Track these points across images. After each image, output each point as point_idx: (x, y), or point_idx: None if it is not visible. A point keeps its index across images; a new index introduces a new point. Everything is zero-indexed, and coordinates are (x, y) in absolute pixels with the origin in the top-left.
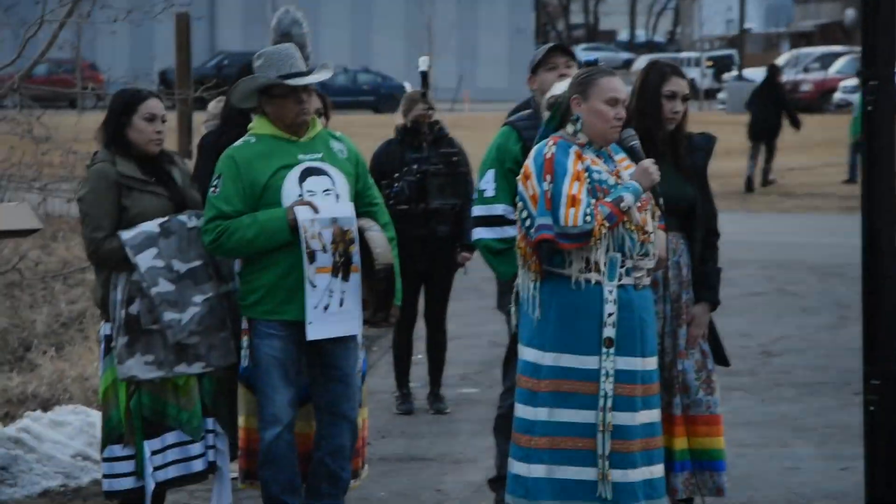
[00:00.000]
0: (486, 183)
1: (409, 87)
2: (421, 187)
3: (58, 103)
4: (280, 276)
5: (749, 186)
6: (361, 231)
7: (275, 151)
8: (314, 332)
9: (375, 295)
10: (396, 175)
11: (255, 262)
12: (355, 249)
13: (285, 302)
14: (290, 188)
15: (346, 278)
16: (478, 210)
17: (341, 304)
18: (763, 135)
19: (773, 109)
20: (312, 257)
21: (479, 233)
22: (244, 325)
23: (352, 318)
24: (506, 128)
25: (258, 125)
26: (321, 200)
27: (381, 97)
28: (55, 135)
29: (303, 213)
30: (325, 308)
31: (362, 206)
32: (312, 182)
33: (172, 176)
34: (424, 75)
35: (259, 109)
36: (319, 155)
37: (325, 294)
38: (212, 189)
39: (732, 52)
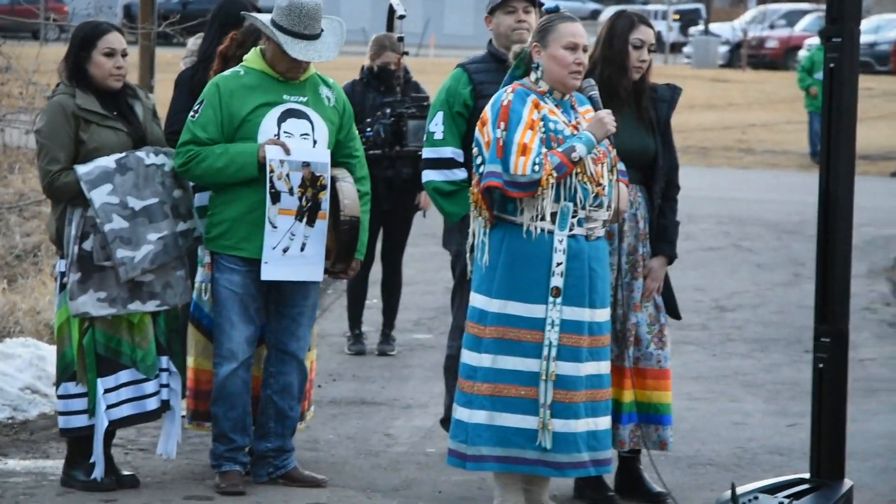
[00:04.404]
0: (436, 125)
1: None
2: (396, 130)
3: (19, 34)
4: (243, 212)
5: None
6: (334, 180)
7: (260, 87)
8: (268, 273)
9: (338, 246)
10: (369, 120)
11: (221, 195)
12: (325, 196)
13: (246, 238)
14: (267, 126)
15: (310, 223)
16: (427, 152)
17: (302, 249)
18: None
19: None
20: (276, 198)
21: (428, 175)
22: (206, 258)
23: (312, 263)
24: (457, 70)
25: (252, 58)
26: (296, 143)
27: None
28: (15, 65)
29: (272, 153)
30: (285, 250)
31: (342, 157)
32: (291, 124)
33: (134, 110)
34: (394, 16)
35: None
36: (305, 98)
37: (287, 236)
38: (192, 114)
39: (700, 6)
